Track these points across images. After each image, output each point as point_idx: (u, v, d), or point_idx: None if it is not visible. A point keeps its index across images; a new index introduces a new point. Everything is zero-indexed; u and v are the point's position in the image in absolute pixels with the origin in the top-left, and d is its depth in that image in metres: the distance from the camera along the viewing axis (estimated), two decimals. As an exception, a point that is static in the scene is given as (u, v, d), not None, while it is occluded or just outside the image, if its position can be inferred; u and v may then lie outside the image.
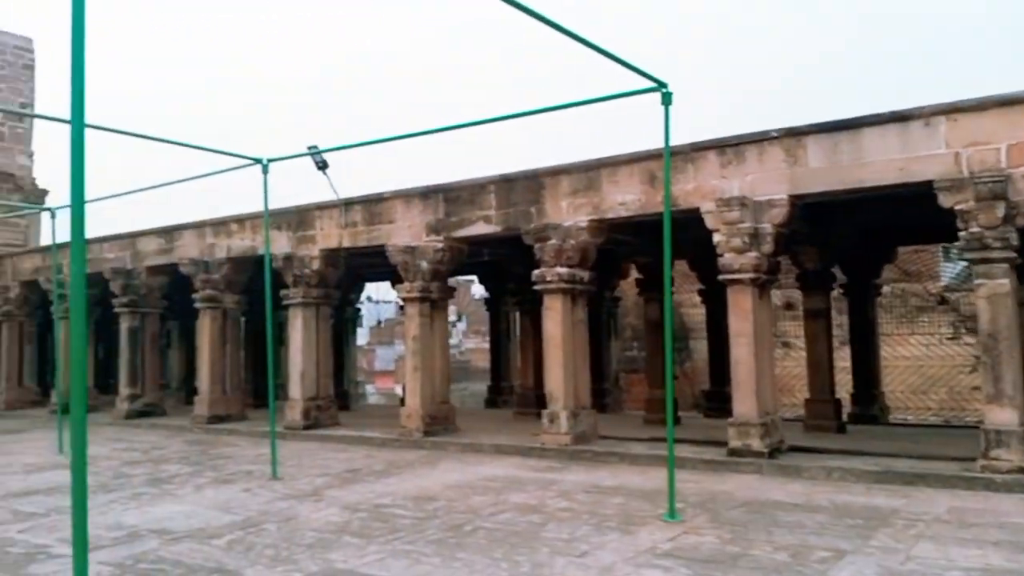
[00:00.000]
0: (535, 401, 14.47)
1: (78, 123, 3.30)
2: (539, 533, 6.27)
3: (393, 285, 19.84)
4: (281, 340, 21.29)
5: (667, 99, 6.66)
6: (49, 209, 11.70)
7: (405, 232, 11.99)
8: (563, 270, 10.46)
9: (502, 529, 6.40)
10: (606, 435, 10.98)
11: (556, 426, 10.36)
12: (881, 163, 8.57)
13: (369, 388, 35.80)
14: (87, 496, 3.47)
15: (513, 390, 17.60)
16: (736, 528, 6.38)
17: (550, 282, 10.53)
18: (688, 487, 7.94)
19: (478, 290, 33.31)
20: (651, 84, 6.58)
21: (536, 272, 10.70)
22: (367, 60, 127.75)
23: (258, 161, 8.97)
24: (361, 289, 20.66)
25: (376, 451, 11.21)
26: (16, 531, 6.57)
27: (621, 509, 7.15)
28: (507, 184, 11.11)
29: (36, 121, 25.00)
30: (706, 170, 9.55)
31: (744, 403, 9.27)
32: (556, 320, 10.49)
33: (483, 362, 34.86)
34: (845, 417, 12.46)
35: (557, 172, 10.62)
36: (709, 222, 9.39)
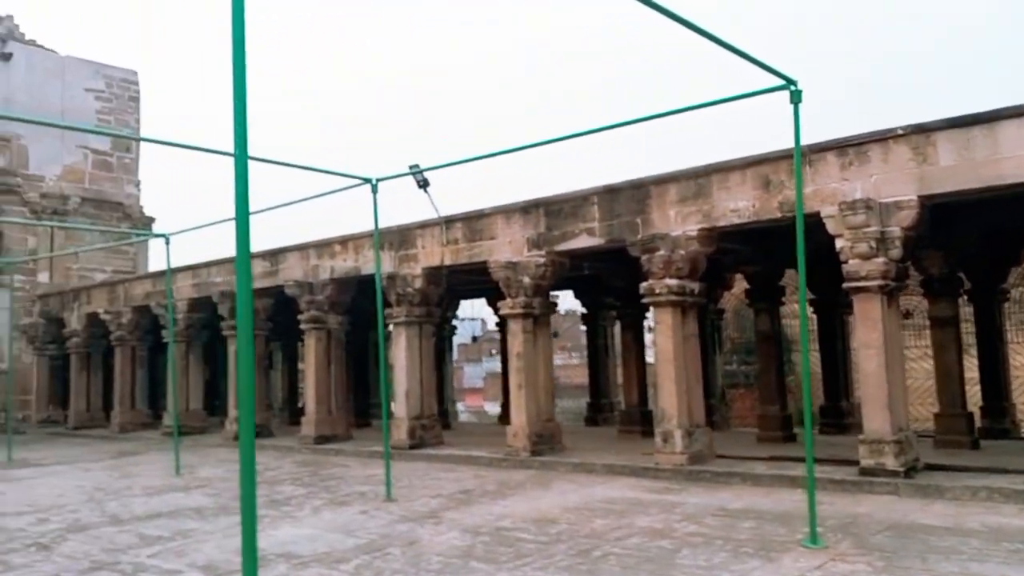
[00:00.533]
0: (640, 419, 14.13)
1: (242, 155, 3.25)
2: (673, 559, 5.96)
3: (489, 302, 19.84)
4: (373, 359, 21.63)
5: (796, 97, 6.31)
6: (163, 235, 12.05)
7: (506, 248, 11.87)
8: (672, 282, 10.12)
9: (633, 555, 6.12)
10: (721, 454, 10.54)
11: (670, 445, 9.99)
12: (1021, 158, 7.97)
13: (459, 406, 36.05)
14: (256, 520, 3.41)
15: (613, 407, 17.27)
16: (887, 555, 5.92)
17: (659, 295, 10.20)
18: (823, 509, 7.46)
19: (564, 305, 32.89)
20: (778, 83, 6.24)
21: (644, 285, 10.40)
22: (451, 73, 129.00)
23: (367, 180, 8.98)
24: (456, 307, 20.68)
25: (484, 471, 11.06)
26: (146, 556, 6.63)
27: (755, 534, 6.77)
28: (610, 195, 10.86)
29: (141, 152, 26.14)
30: (824, 172, 9.09)
31: (876, 419, 8.72)
32: (667, 334, 10.15)
33: (571, 378, 34.50)
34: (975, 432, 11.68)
35: (664, 180, 10.31)
36: (831, 227, 8.91)
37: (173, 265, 18.27)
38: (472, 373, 49.43)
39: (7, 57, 23.39)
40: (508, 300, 11.82)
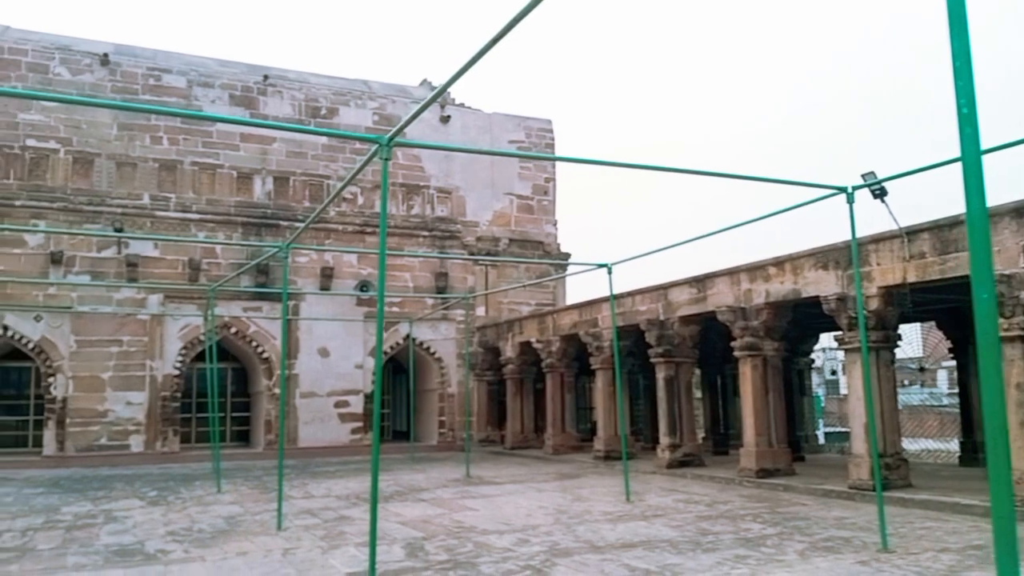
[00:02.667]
0: None
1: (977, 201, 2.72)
2: None
3: (939, 325, 17.40)
4: (797, 389, 20.16)
5: None
6: (606, 265, 12.28)
7: (995, 258, 10.03)
8: None
9: None
10: None
11: None
12: None
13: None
14: None
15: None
16: None
17: None
18: None
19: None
20: None
21: None
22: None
23: (842, 190, 8.07)
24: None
25: (984, 523, 9.29)
26: (645, 588, 6.38)
27: None
28: None
29: (556, 195, 27.93)
30: None
31: None
32: None
33: None
34: None
35: None
36: None
37: (595, 296, 19.00)
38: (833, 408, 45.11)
39: (446, 120, 26.59)
40: (1003, 320, 9.92)
